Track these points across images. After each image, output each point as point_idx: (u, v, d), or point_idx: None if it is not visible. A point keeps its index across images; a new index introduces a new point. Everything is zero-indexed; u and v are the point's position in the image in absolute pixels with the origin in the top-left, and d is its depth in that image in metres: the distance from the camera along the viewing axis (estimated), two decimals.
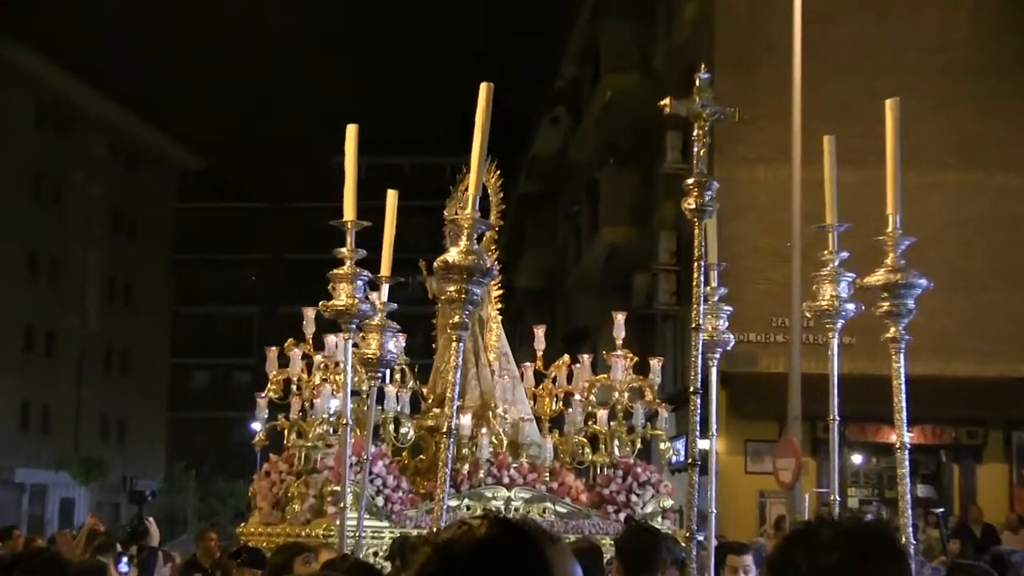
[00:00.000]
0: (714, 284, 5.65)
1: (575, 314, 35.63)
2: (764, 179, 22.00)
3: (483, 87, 4.13)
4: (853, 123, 23.37)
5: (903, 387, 4.78)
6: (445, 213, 9.01)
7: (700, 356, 4.91)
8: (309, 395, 9.41)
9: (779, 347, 20.07)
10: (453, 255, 4.04)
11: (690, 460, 4.87)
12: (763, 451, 21.76)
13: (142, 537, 11.20)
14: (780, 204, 19.79)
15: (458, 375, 4.05)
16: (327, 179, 60.46)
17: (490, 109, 4.13)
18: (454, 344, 4.04)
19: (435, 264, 4.08)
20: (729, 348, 5.84)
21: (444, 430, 4.04)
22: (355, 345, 5.81)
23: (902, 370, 4.80)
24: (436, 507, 3.84)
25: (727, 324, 5.73)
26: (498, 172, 9.75)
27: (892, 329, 4.73)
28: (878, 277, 4.65)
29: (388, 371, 9.98)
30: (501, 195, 9.76)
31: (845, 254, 5.40)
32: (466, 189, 9.74)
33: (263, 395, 9.68)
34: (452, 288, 4.06)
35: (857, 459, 23.20)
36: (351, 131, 4.96)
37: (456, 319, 4.08)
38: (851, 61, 23.32)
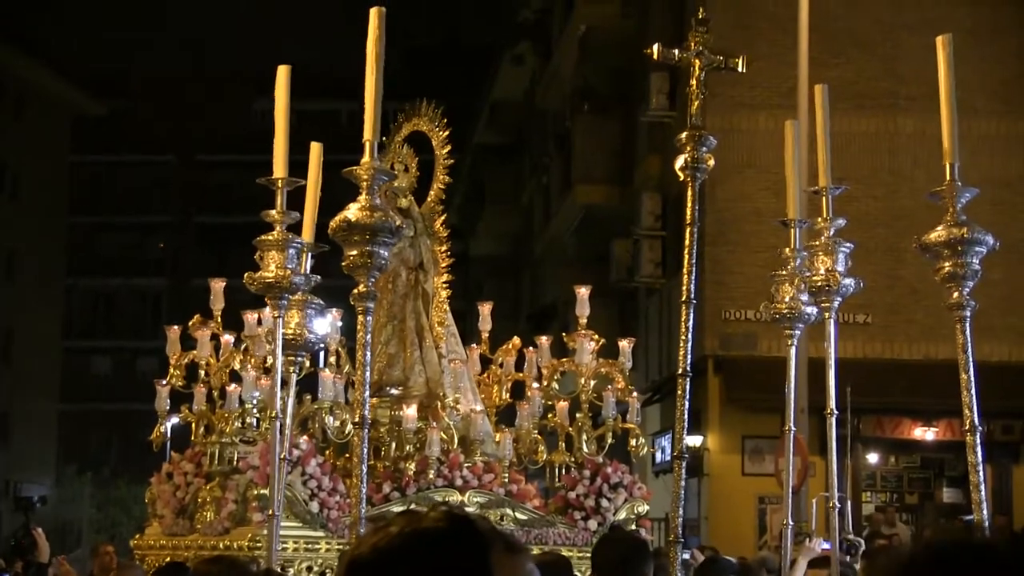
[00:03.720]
0: (795, 245, 5.67)
1: (544, 288, 35.71)
2: (765, 129, 22.06)
3: (373, 12, 4.18)
4: (871, 62, 23.60)
5: (970, 364, 4.86)
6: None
7: (691, 334, 4.95)
8: (218, 382, 9.39)
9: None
10: (352, 212, 4.08)
11: (676, 453, 4.92)
12: (764, 449, 21.89)
13: (29, 551, 11.20)
14: (784, 159, 19.82)
15: (368, 355, 4.10)
16: (248, 128, 60.27)
17: (383, 38, 4.19)
18: (360, 317, 4.08)
19: (331, 225, 4.12)
20: (809, 325, 5.86)
21: (356, 420, 4.07)
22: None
23: (969, 346, 4.87)
24: (353, 511, 3.87)
25: (807, 295, 5.73)
26: (444, 120, 9.73)
27: (955, 294, 4.79)
28: (937, 233, 4.70)
29: (323, 355, 9.98)
30: (448, 148, 9.74)
31: (842, 221, 5.47)
32: (404, 142, 9.79)
33: (164, 382, 9.66)
34: (353, 252, 4.09)
35: (873, 458, 23.41)
36: (282, 72, 4.97)
37: (361, 288, 4.11)
38: None
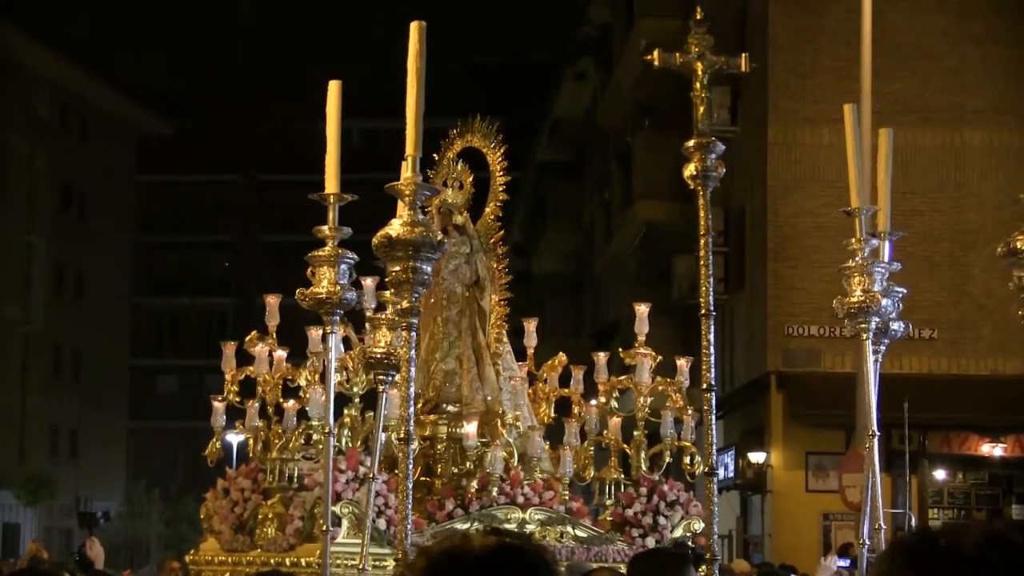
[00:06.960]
0: (885, 257, 5.55)
1: (606, 305, 35.64)
2: (829, 143, 21.88)
3: (413, 27, 4.19)
4: (936, 74, 23.35)
5: None
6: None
7: (713, 348, 4.92)
8: (273, 398, 9.38)
9: (846, 343, 19.97)
10: (395, 228, 4.08)
11: (707, 469, 4.90)
12: (828, 465, 21.71)
13: (90, 567, 11.23)
14: (848, 173, 19.64)
15: (412, 370, 4.09)
16: (311, 147, 60.58)
17: (423, 52, 4.19)
18: (404, 334, 4.08)
19: (374, 241, 4.12)
20: (897, 338, 5.73)
21: (401, 435, 4.06)
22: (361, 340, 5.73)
23: None
24: (399, 530, 3.86)
25: (898, 309, 5.61)
26: (500, 136, 9.72)
27: None
28: (1021, 240, 4.56)
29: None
30: (504, 164, 9.73)
31: (875, 242, 5.36)
32: (457, 158, 9.78)
33: (220, 398, 9.68)
34: (397, 267, 4.09)
35: (940, 475, 23.13)
36: (333, 88, 5.01)
37: (404, 303, 4.11)
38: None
